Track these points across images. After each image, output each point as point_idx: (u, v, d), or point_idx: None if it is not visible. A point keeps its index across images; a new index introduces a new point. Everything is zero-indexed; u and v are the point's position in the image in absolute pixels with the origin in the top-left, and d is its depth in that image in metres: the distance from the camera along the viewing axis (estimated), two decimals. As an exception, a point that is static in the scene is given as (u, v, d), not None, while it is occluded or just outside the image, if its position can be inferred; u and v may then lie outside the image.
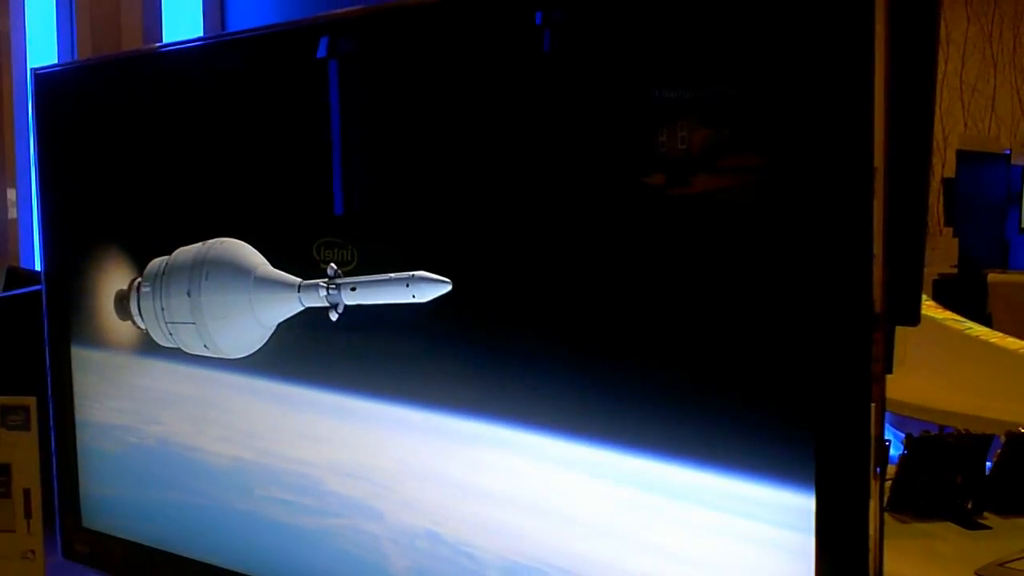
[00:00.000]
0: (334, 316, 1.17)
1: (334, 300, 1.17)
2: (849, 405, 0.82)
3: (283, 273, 1.22)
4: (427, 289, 1.08)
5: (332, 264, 1.17)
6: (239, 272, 1.25)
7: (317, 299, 1.18)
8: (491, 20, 1.05)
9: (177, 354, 1.35)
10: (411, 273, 1.09)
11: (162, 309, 1.33)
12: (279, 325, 1.25)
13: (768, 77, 0.85)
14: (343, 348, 1.20)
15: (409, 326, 1.11)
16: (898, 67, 0.78)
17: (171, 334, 1.33)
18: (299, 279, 1.21)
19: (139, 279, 1.37)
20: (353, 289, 1.15)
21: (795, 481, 0.86)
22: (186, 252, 1.31)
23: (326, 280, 1.17)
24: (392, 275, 1.11)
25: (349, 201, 1.19)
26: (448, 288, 1.06)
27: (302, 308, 1.20)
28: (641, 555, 0.97)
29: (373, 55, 1.14)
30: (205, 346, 1.30)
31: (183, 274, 1.30)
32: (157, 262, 1.34)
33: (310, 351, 1.23)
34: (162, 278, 1.33)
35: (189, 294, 1.28)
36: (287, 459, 1.24)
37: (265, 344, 1.26)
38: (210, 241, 1.29)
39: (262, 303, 1.24)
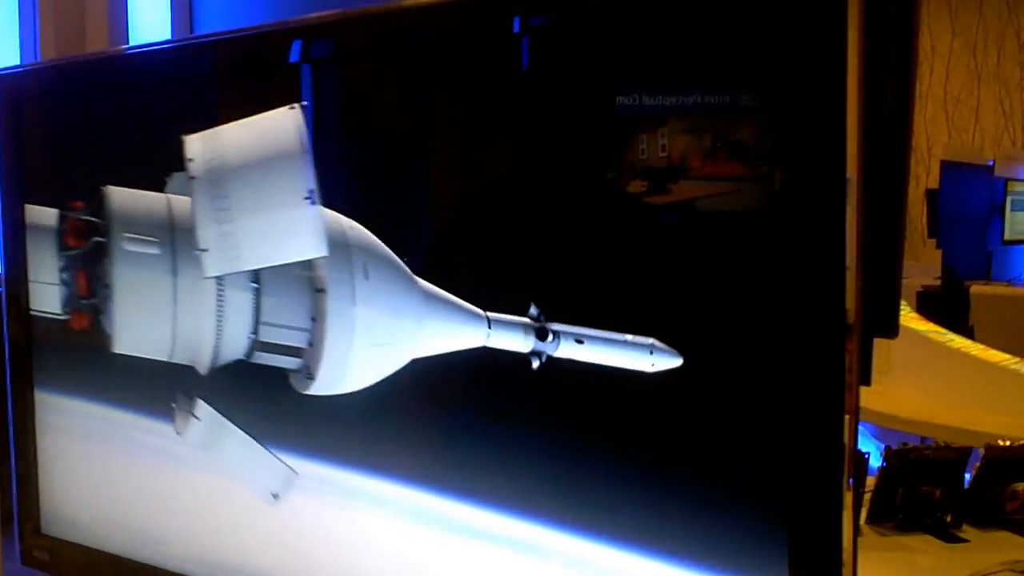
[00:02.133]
0: (536, 364, 0.92)
1: (543, 349, 0.92)
2: (822, 415, 0.81)
3: (451, 295, 0.91)
4: (665, 361, 0.87)
5: (534, 305, 0.91)
6: (405, 279, 0.87)
7: (515, 341, 0.92)
8: (468, 26, 1.03)
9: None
10: (651, 341, 0.87)
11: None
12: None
13: (738, 85, 0.84)
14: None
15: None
16: (875, 75, 0.77)
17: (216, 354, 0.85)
18: (481, 310, 0.91)
19: (101, 221, 0.86)
20: (580, 342, 0.90)
21: (765, 496, 0.85)
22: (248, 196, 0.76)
23: (537, 323, 0.91)
24: (629, 338, 0.87)
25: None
26: (678, 363, 0.87)
27: (479, 346, 0.91)
28: None
29: (346, 60, 1.13)
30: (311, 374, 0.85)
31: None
32: (154, 202, 0.83)
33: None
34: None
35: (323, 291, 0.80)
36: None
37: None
38: (316, 209, 0.80)
39: (436, 331, 0.89)
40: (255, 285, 0.86)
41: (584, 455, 0.96)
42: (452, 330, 0.90)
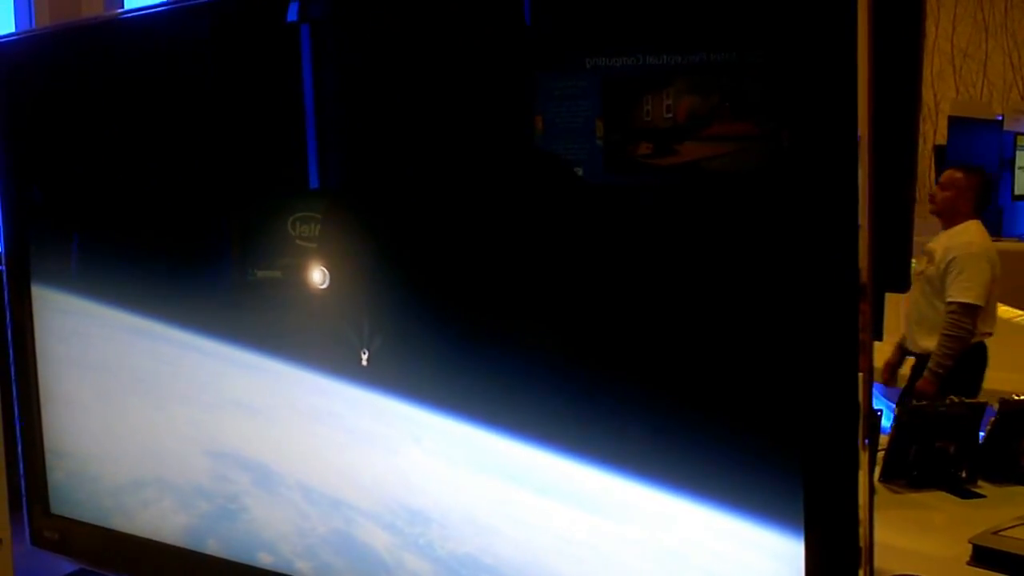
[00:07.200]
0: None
1: None
2: (836, 375, 0.81)
3: None
4: None
5: None
6: None
7: None
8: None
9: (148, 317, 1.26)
10: None
11: None
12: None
13: (747, 43, 0.83)
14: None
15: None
16: (883, 32, 0.76)
17: None
18: None
19: None
20: None
21: (782, 455, 0.84)
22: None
23: None
24: None
25: (325, 175, 1.16)
26: None
27: None
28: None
29: (347, 19, 1.11)
30: None
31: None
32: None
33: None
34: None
35: None
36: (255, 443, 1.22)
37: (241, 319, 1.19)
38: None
39: None
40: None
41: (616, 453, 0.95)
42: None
